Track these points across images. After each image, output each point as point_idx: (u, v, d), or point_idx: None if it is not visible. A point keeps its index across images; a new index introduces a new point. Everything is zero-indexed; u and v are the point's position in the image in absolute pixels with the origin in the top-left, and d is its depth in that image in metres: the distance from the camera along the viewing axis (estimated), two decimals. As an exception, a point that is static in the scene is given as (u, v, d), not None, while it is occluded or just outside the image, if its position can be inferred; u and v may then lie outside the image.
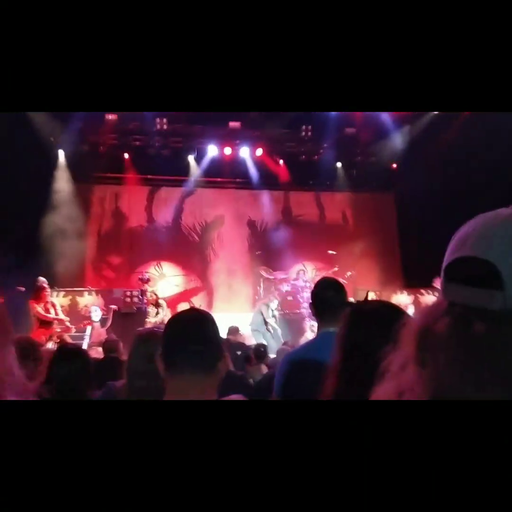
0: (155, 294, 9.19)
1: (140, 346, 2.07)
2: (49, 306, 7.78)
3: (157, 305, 8.98)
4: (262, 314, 9.35)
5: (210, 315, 1.49)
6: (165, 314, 8.66)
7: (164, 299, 9.63)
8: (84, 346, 8.26)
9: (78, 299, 9.57)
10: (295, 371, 2.05)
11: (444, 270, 0.70)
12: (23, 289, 8.36)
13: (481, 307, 0.63)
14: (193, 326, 1.41)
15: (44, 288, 7.84)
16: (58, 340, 7.49)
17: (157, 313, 8.83)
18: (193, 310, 1.56)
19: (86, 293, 9.72)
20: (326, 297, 2.22)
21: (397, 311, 1.39)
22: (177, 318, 1.48)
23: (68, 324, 8.00)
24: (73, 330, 7.99)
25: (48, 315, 7.62)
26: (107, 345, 5.28)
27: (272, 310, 9.45)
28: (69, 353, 2.73)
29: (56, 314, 7.80)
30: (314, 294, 2.30)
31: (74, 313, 9.19)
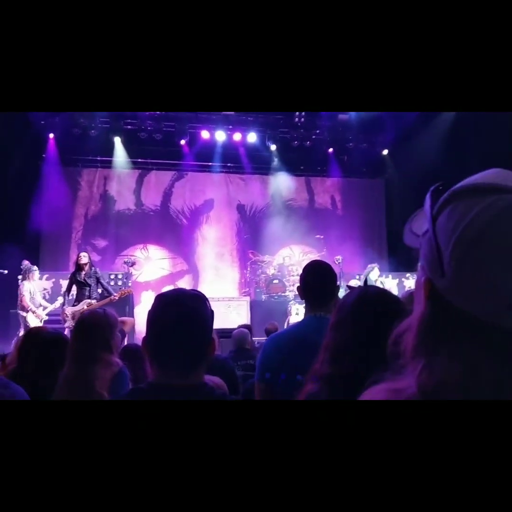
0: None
1: None
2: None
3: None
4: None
5: (199, 297, 1.37)
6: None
7: (149, 281, 9.51)
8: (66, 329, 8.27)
9: (62, 281, 9.58)
10: (276, 347, 2.06)
11: None
12: (5, 272, 8.44)
13: None
14: (183, 320, 1.31)
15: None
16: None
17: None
18: (181, 295, 1.37)
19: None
20: (314, 281, 2.15)
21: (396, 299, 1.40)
22: (165, 309, 1.34)
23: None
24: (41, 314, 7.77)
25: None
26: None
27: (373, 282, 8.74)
28: (46, 338, 2.76)
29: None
30: (302, 278, 2.21)
31: (57, 295, 9.22)
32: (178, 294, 1.38)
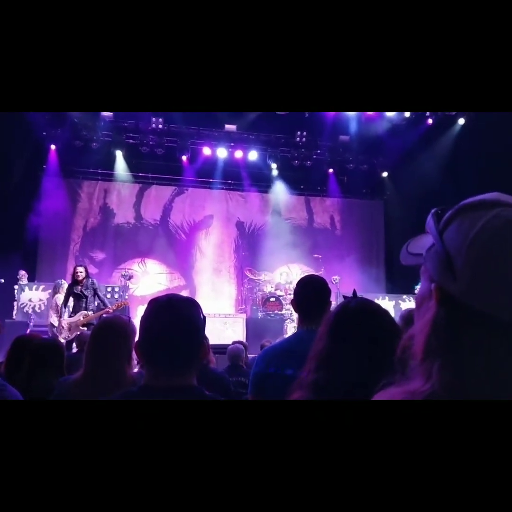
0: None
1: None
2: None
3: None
4: None
5: (191, 302, 1.42)
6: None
7: (146, 296, 9.43)
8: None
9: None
10: (268, 360, 2.05)
11: None
12: (2, 280, 8.43)
13: None
14: (175, 323, 1.35)
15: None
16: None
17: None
18: (174, 300, 1.40)
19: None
20: (308, 295, 2.17)
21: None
22: (159, 312, 1.37)
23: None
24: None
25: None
26: (80, 339, 5.28)
27: None
28: (41, 343, 2.78)
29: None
30: (296, 291, 2.24)
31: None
32: (171, 299, 1.41)
